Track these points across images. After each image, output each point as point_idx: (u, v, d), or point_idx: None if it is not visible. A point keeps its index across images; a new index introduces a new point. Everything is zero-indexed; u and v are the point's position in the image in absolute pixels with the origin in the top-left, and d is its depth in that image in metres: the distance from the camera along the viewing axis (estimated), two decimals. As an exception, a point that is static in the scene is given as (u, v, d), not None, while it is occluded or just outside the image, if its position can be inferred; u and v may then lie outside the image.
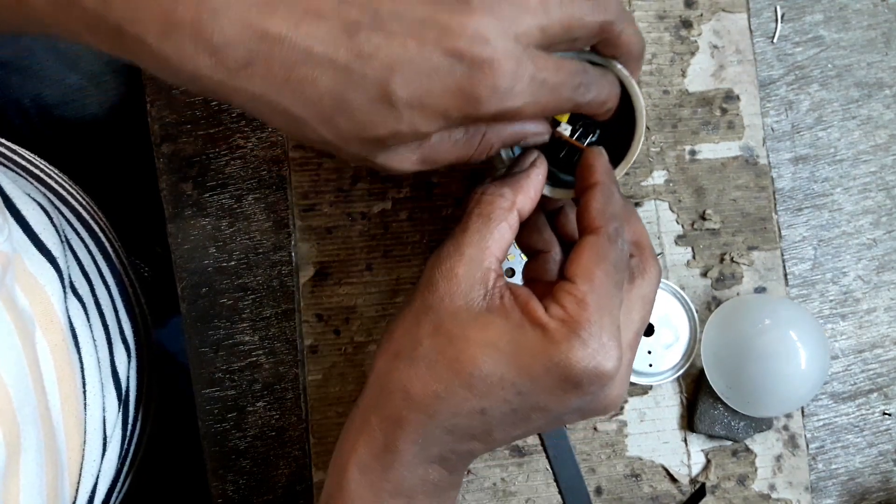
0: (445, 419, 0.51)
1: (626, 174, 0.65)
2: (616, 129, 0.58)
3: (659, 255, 0.72)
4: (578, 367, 0.48)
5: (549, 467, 0.70)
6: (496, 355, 0.50)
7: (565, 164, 0.59)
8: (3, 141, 0.75)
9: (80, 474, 0.62)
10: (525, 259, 0.60)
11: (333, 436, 0.70)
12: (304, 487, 0.70)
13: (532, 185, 0.54)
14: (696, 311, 0.71)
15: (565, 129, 0.57)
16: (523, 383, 0.49)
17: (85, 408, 0.62)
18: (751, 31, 0.75)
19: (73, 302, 0.63)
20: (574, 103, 0.50)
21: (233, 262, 0.71)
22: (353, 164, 0.53)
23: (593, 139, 0.58)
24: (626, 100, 0.57)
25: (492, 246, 0.52)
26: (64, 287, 0.62)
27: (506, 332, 0.50)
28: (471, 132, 0.50)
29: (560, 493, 0.66)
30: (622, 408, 0.72)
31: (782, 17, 0.76)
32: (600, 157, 0.54)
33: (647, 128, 0.65)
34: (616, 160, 0.58)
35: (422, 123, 0.47)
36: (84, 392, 0.62)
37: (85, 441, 0.62)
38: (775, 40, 0.75)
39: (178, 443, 0.89)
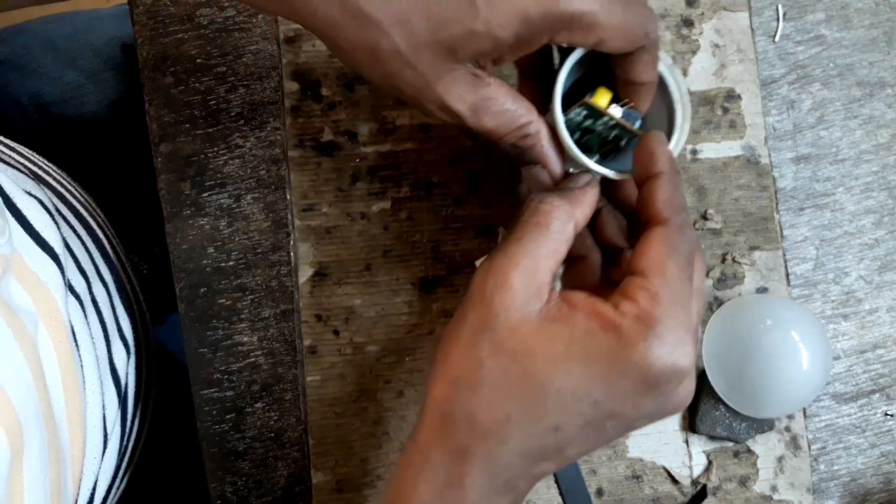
0: (517, 443, 0.49)
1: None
2: (654, 120, 0.59)
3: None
4: (657, 366, 0.47)
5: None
6: (567, 366, 0.48)
7: (604, 147, 0.58)
8: (2, 138, 0.75)
9: (82, 472, 0.62)
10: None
11: (332, 436, 0.69)
12: (303, 489, 0.70)
13: (588, 201, 0.53)
14: (698, 312, 0.71)
15: (616, 112, 0.56)
16: (599, 391, 0.48)
17: (85, 405, 0.62)
18: (752, 29, 0.75)
19: (70, 299, 0.63)
20: (646, 29, 0.52)
21: (231, 263, 0.71)
22: (407, 96, 0.51)
23: (641, 126, 0.57)
24: (661, 89, 0.57)
25: (547, 257, 0.50)
26: (65, 284, 0.61)
27: (575, 341, 0.48)
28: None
29: (561, 494, 0.66)
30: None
31: (784, 15, 0.75)
32: (661, 143, 0.53)
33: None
34: None
35: (498, 25, 0.47)
36: (84, 389, 0.62)
37: (86, 438, 0.62)
38: (777, 39, 0.75)
39: (176, 443, 0.88)
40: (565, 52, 0.55)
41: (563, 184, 0.55)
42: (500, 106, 0.52)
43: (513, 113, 0.53)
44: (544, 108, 0.56)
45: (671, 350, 0.47)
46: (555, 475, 0.69)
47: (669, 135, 0.57)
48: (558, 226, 0.51)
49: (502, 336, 0.49)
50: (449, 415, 0.50)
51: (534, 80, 0.58)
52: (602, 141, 0.58)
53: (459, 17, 0.47)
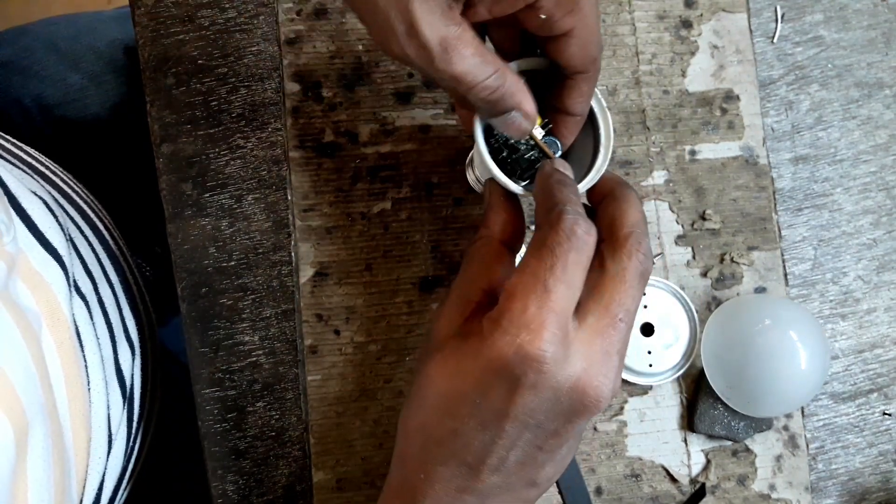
0: (439, 449, 0.51)
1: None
2: (576, 156, 0.60)
3: (659, 255, 0.72)
4: (504, 354, 0.47)
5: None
6: (446, 373, 0.50)
7: (528, 172, 0.59)
8: (8, 137, 0.75)
9: (86, 472, 0.62)
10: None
11: (333, 436, 0.70)
12: (304, 487, 0.70)
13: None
14: (696, 312, 0.71)
15: (538, 133, 0.57)
16: (475, 392, 0.49)
17: (90, 405, 0.62)
18: (751, 30, 0.75)
19: (76, 300, 0.63)
20: (596, 53, 0.54)
21: (233, 263, 0.71)
22: (378, 19, 0.47)
23: (559, 157, 0.58)
24: (590, 128, 0.59)
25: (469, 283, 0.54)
26: (69, 285, 0.62)
27: (454, 351, 0.51)
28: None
29: (560, 493, 0.66)
30: (622, 408, 0.72)
31: (782, 17, 0.76)
32: (559, 171, 0.54)
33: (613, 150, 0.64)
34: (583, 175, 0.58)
35: None
36: (88, 390, 0.62)
37: (90, 439, 0.63)
38: (775, 40, 0.75)
39: (178, 442, 0.89)
40: None
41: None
42: (470, 48, 0.50)
43: (482, 59, 0.50)
44: None
45: (514, 336, 0.47)
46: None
47: (587, 172, 0.58)
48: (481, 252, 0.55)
49: (423, 358, 0.54)
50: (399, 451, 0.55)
51: None
52: (526, 164, 0.59)
53: None
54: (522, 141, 0.58)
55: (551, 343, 0.47)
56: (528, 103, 0.54)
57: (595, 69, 0.55)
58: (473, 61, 0.50)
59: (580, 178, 0.58)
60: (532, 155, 0.59)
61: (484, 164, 0.56)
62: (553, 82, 0.57)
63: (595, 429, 0.72)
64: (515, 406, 0.49)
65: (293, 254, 0.71)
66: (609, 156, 0.58)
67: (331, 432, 0.70)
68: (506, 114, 0.54)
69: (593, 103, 0.58)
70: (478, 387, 0.49)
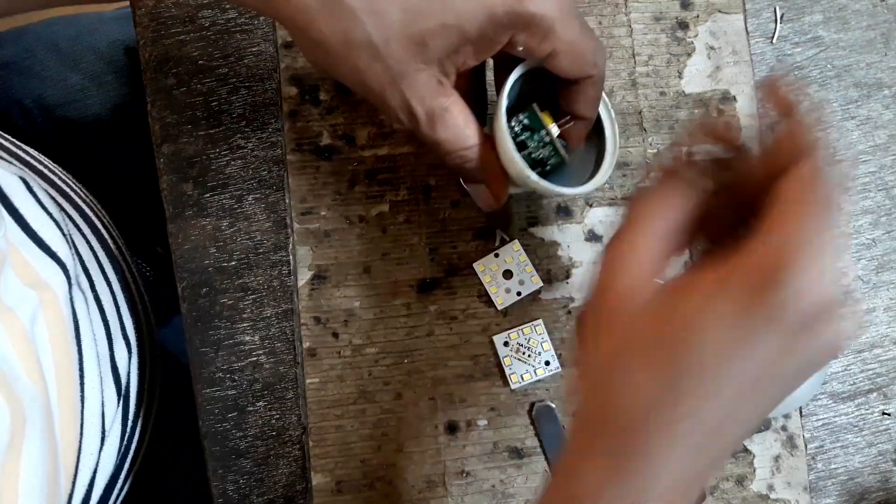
0: (662, 435, 0.43)
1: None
2: (579, 161, 0.63)
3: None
4: (805, 300, 0.40)
5: (547, 469, 0.70)
6: (702, 332, 0.42)
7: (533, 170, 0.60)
8: (6, 136, 0.76)
9: (76, 467, 0.63)
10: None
11: (332, 438, 0.70)
12: (305, 487, 0.71)
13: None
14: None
15: (554, 129, 0.59)
16: (743, 348, 0.42)
17: (83, 400, 0.63)
18: (747, 31, 0.75)
19: (77, 294, 0.64)
20: (595, 58, 0.56)
21: (233, 263, 0.71)
22: (372, 92, 0.55)
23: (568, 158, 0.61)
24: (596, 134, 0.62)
25: (653, 240, 0.47)
26: (69, 280, 0.62)
27: (705, 299, 0.43)
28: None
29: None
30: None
31: (781, 17, 0.75)
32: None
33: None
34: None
35: (466, 19, 0.51)
36: (82, 385, 0.63)
37: (82, 433, 0.63)
38: (774, 41, 0.75)
39: (178, 442, 0.89)
40: (506, 75, 0.59)
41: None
42: (454, 120, 0.56)
43: (462, 131, 0.56)
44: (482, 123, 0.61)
45: (817, 279, 0.40)
46: (546, 459, 0.69)
47: (591, 177, 0.61)
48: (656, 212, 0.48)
49: (625, 323, 0.45)
50: (589, 421, 0.47)
51: (470, 102, 0.59)
52: (531, 162, 0.60)
53: (432, 9, 0.50)
54: (534, 139, 0.60)
55: (841, 285, 0.42)
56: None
57: (598, 74, 0.57)
58: (453, 133, 0.56)
59: (584, 179, 0.61)
60: (540, 154, 0.60)
61: (506, 149, 0.58)
62: (563, 83, 0.58)
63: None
64: (796, 359, 0.42)
65: (291, 257, 0.71)
66: (612, 166, 0.61)
67: (329, 435, 0.70)
68: (476, 184, 0.60)
69: (602, 110, 0.61)
70: (753, 340, 0.41)
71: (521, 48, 0.55)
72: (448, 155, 0.58)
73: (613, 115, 0.62)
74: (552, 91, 0.60)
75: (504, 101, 0.58)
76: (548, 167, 0.61)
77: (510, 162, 0.58)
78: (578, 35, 0.54)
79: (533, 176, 0.57)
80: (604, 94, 0.60)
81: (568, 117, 0.59)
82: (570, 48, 0.54)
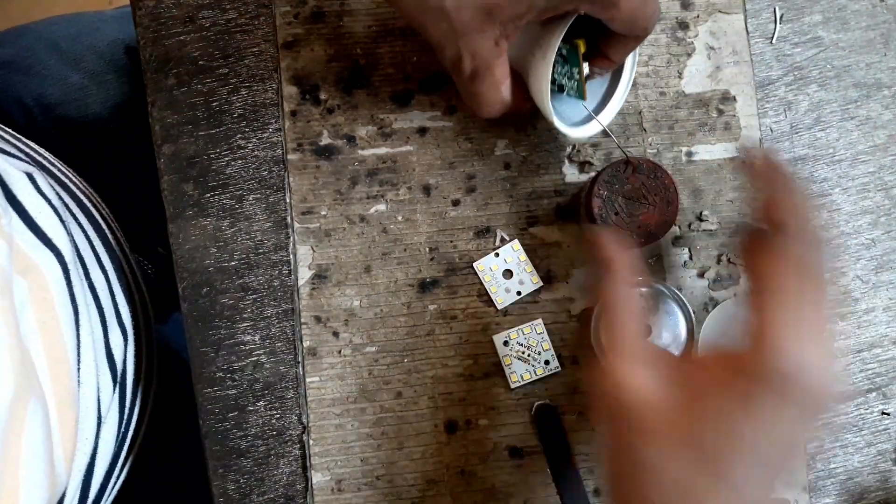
0: None
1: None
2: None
3: (656, 257, 0.73)
4: (782, 367, 0.47)
5: (547, 468, 0.70)
6: (715, 418, 0.49)
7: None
8: (5, 128, 0.76)
9: (73, 451, 0.63)
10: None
11: (332, 437, 0.70)
12: (305, 486, 0.71)
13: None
14: (694, 312, 0.71)
15: (586, 68, 0.64)
16: (744, 421, 0.48)
17: (79, 385, 0.63)
18: (747, 32, 0.75)
19: (75, 280, 0.64)
20: (648, 24, 0.60)
21: (234, 262, 0.71)
22: (431, 38, 0.60)
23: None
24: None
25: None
26: (63, 266, 0.62)
27: (699, 389, 0.51)
28: None
29: (559, 493, 0.66)
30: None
31: (781, 17, 0.75)
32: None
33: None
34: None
35: None
36: (78, 369, 0.63)
37: (77, 418, 0.63)
38: (774, 41, 0.75)
39: (179, 440, 0.89)
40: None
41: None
42: (493, 78, 0.61)
43: (499, 88, 0.62)
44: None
45: (792, 346, 0.47)
46: (553, 476, 0.69)
47: (602, 106, 0.68)
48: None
49: (653, 421, 0.50)
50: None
51: None
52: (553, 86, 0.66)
53: None
54: (564, 69, 0.64)
55: (822, 348, 0.48)
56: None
57: (645, 34, 0.61)
58: (491, 88, 0.61)
59: (598, 109, 0.67)
60: (564, 83, 0.65)
61: (541, 86, 0.63)
62: (609, 31, 0.62)
63: (593, 429, 0.72)
64: (789, 422, 0.48)
65: (292, 256, 0.71)
66: (627, 91, 0.68)
67: (329, 434, 0.70)
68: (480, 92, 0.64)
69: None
70: (750, 412, 0.48)
71: (582, 12, 0.58)
72: (480, 105, 0.63)
73: (637, 58, 0.67)
74: (594, 23, 0.62)
75: (556, 46, 0.61)
76: (564, 94, 0.66)
77: (541, 102, 0.63)
78: (640, 4, 0.57)
79: (559, 125, 0.65)
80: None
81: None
82: (628, 17, 0.58)
